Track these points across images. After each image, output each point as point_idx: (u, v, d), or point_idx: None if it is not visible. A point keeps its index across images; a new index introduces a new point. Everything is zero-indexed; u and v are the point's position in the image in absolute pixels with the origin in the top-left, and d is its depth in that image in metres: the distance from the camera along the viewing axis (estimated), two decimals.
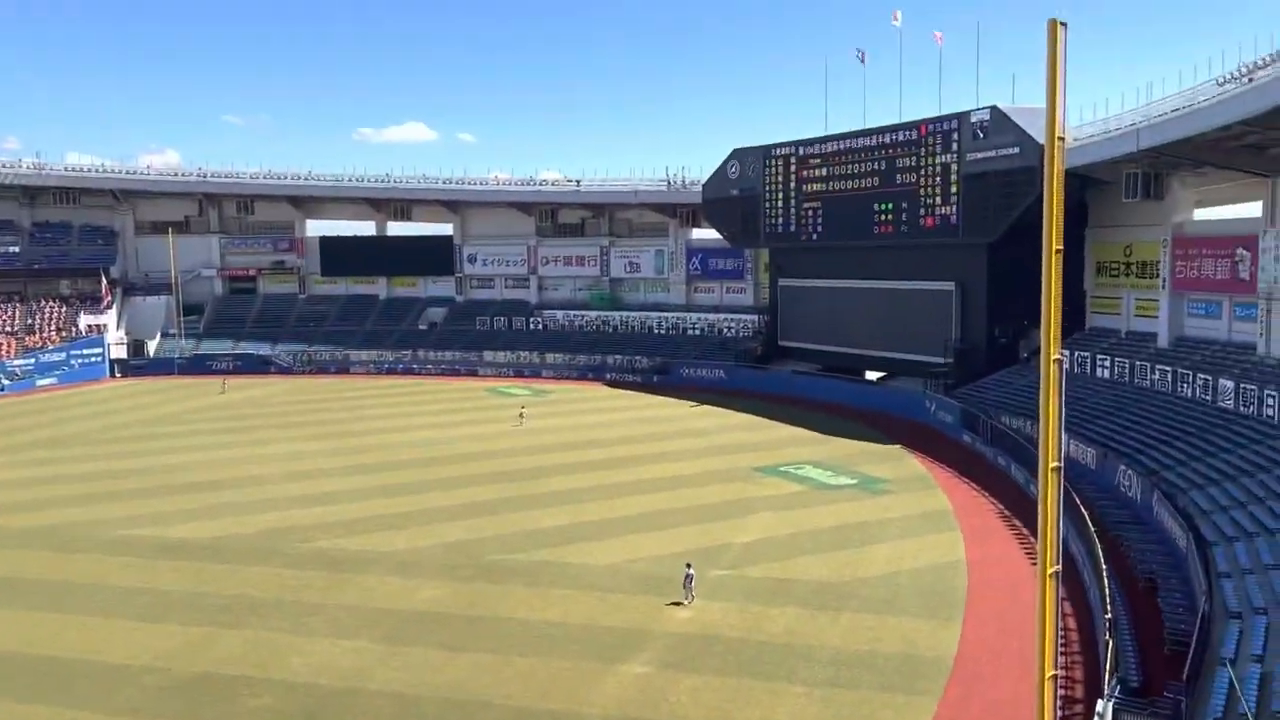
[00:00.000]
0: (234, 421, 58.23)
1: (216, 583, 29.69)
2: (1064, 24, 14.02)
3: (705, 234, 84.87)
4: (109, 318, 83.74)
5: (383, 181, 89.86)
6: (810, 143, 67.19)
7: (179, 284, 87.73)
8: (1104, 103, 47.04)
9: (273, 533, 34.80)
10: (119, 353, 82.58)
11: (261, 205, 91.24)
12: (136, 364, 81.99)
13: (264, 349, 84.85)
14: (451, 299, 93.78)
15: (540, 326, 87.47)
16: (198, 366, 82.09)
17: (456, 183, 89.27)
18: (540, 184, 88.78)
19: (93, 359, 79.75)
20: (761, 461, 45.40)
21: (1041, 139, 13.42)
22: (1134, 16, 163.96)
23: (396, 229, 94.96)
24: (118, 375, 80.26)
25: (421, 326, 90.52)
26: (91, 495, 40.47)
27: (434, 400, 67.45)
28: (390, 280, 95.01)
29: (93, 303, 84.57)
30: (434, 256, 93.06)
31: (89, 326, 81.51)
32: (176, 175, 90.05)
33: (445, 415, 60.18)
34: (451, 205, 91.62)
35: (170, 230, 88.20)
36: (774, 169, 69.79)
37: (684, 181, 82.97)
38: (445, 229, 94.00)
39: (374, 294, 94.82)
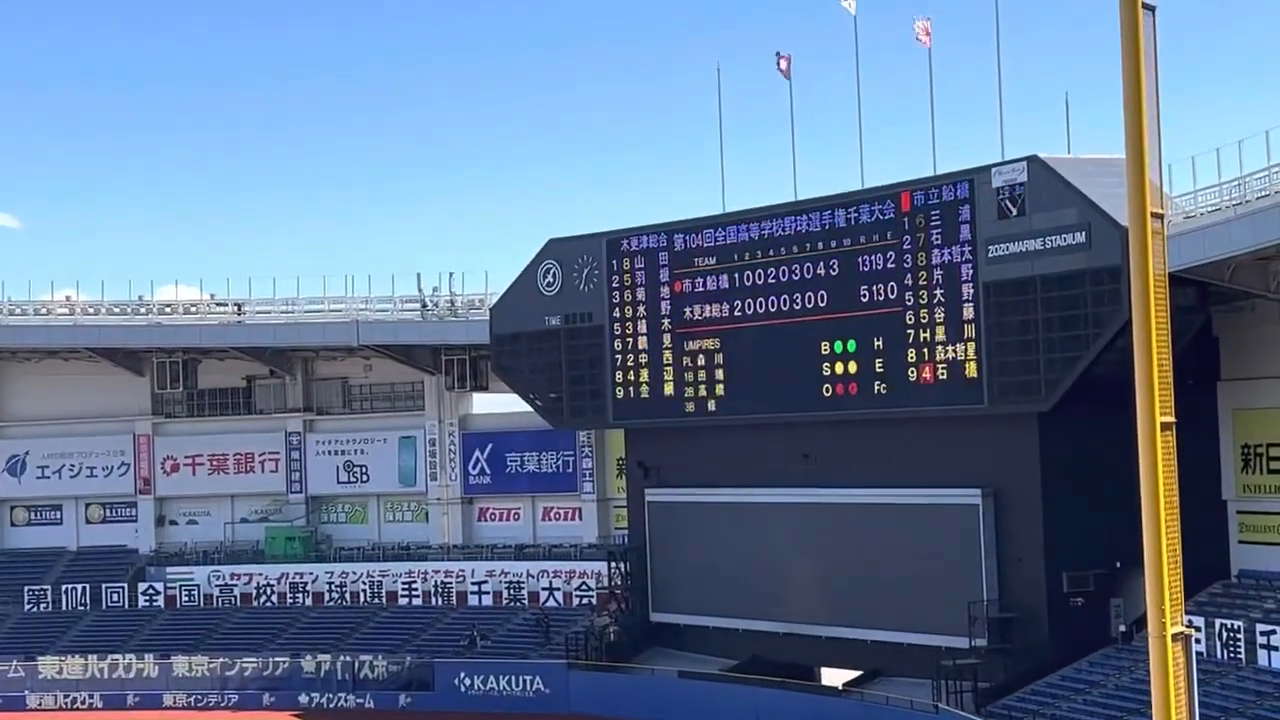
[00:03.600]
0: None
1: None
2: (1150, 7, 15.10)
3: (499, 402, 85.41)
4: None
5: None
6: (696, 227, 69.09)
7: None
8: (1235, 152, 49.81)
9: None
10: None
11: None
12: None
13: None
14: None
15: (160, 601, 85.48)
16: None
17: None
18: (160, 311, 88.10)
19: None
20: None
21: (1125, 217, 14.04)
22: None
23: None
24: None
25: None
26: None
27: None
28: None
29: None
30: None
31: None
32: None
33: None
34: None
35: None
36: (628, 277, 71.31)
37: (453, 303, 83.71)
38: None
39: None
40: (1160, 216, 15.16)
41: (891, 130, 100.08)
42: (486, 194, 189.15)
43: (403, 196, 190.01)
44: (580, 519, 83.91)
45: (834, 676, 67.07)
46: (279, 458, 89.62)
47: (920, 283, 60.33)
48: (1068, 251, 55.42)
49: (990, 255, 57.86)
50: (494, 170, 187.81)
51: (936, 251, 59.74)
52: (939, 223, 59.65)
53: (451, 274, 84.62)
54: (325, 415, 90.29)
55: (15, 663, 79.34)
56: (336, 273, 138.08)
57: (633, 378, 71.40)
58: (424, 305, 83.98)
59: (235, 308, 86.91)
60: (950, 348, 59.39)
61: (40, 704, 77.52)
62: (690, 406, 69.32)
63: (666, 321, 69.87)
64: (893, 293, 61.34)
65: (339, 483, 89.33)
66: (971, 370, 58.77)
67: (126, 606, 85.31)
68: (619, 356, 71.77)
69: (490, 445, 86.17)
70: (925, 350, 60.28)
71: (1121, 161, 15.88)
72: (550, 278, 74.34)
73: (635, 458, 75.08)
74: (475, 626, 78.67)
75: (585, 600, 78.45)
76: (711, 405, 68.55)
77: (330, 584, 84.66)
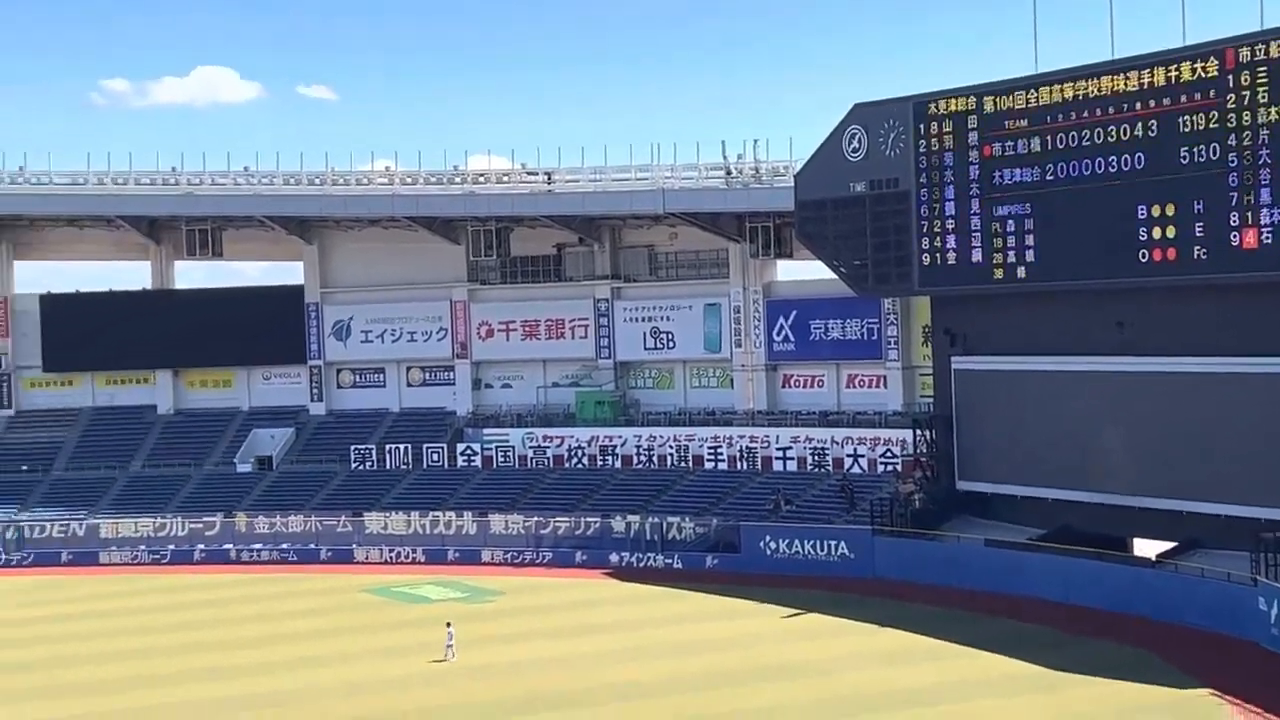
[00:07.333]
0: None
1: None
2: None
3: (802, 269, 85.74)
4: None
5: (163, 181, 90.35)
6: (1007, 88, 67.71)
7: None
8: None
9: None
10: None
11: None
12: None
13: None
14: (301, 410, 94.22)
15: (477, 461, 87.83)
16: None
17: (308, 181, 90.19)
18: (474, 180, 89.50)
19: None
20: None
21: None
22: None
23: (193, 274, 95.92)
24: None
25: (242, 466, 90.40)
26: None
27: (267, 615, 66.72)
28: (180, 376, 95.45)
29: None
30: (266, 328, 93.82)
31: None
32: None
33: (287, 646, 59.52)
34: (298, 226, 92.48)
35: None
36: (936, 141, 70.34)
37: (757, 170, 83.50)
38: (289, 272, 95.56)
39: (148, 405, 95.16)
40: None
41: None
42: (792, 60, 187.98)
43: (708, 65, 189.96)
44: (885, 386, 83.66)
45: (1147, 548, 66.09)
46: (588, 324, 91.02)
47: (1244, 143, 58.25)
48: None
49: None
50: (800, 36, 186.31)
51: (1263, 110, 57.53)
52: (1266, 80, 57.39)
53: (756, 141, 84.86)
54: (632, 283, 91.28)
55: (343, 518, 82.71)
56: (642, 141, 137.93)
57: (939, 244, 70.71)
58: (728, 173, 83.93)
59: (545, 177, 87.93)
60: (1276, 210, 57.45)
61: (366, 557, 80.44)
62: (999, 273, 68.40)
63: (975, 186, 68.89)
64: (1215, 154, 59.31)
65: (645, 349, 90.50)
66: None
67: (446, 466, 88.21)
68: (925, 222, 71.09)
69: (794, 312, 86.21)
70: (1249, 214, 58.32)
71: None
72: (856, 143, 73.71)
73: (941, 325, 74.70)
74: (780, 491, 79.24)
75: (890, 467, 78.42)
76: (1021, 272, 67.50)
77: (638, 447, 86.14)
